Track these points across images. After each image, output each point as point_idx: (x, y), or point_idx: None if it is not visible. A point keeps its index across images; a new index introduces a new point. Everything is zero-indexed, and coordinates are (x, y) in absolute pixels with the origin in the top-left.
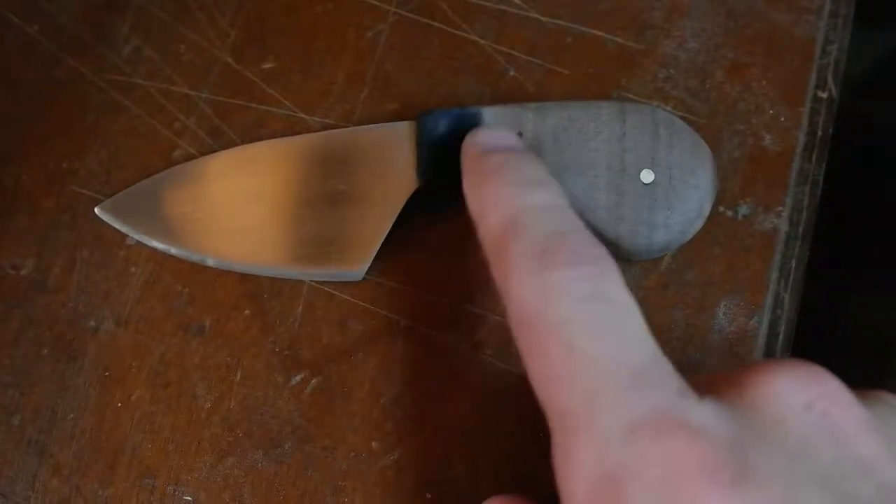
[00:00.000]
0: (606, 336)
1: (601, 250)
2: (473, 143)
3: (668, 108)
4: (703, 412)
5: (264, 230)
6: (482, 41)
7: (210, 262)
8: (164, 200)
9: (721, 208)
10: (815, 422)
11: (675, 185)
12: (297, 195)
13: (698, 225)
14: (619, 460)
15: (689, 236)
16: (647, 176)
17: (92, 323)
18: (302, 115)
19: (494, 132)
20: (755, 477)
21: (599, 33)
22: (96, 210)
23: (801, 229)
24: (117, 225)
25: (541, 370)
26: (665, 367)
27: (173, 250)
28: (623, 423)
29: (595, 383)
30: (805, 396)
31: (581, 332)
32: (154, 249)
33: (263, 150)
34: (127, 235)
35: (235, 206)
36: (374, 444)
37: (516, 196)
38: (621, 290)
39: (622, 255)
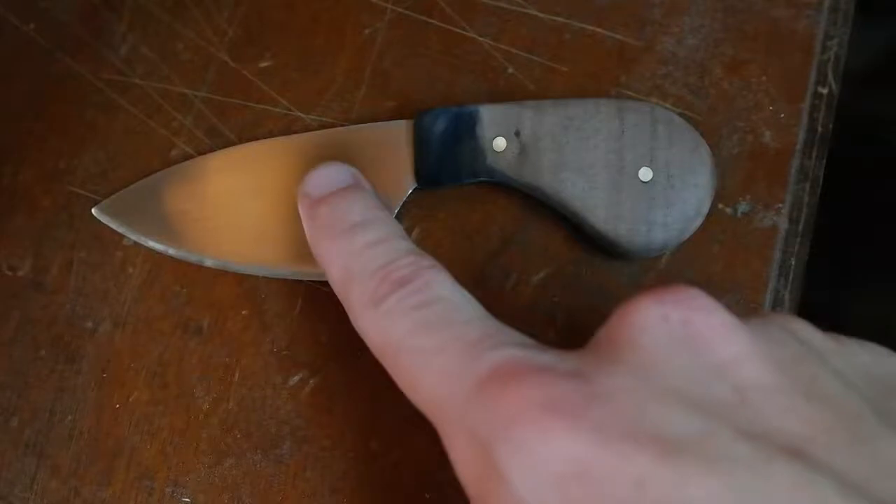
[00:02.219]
0: (440, 328)
1: (426, 262)
2: (303, 195)
3: (668, 106)
4: (545, 357)
5: (262, 230)
6: (480, 39)
7: (208, 263)
8: (162, 201)
9: (720, 206)
10: (670, 332)
11: (673, 183)
12: (295, 194)
13: (697, 223)
14: (477, 423)
15: (688, 235)
16: (645, 174)
17: (90, 324)
18: (299, 114)
19: (319, 174)
20: (599, 398)
21: (598, 30)
22: (94, 211)
23: (800, 227)
24: (115, 226)
25: (407, 385)
26: (505, 334)
27: (171, 251)
28: (470, 387)
29: (442, 368)
30: (661, 310)
31: (418, 336)
32: (152, 250)
33: (261, 150)
34: (125, 236)
35: (233, 206)
36: (372, 444)
37: (344, 246)
38: (449, 289)
39: (621, 254)
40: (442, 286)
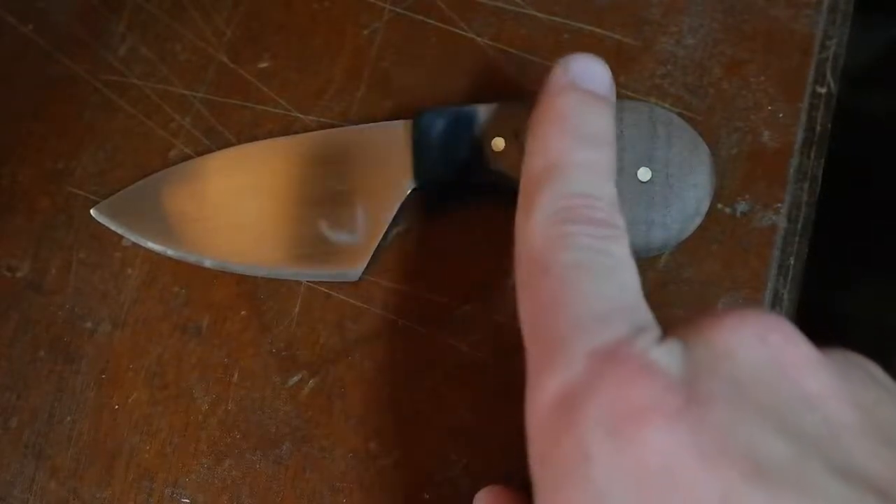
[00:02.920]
0: (597, 279)
1: (618, 221)
2: (565, 71)
3: (666, 106)
4: (659, 350)
5: (261, 230)
6: (479, 38)
7: (207, 263)
8: (161, 201)
9: (719, 205)
10: (765, 354)
11: (672, 183)
12: (294, 195)
13: (696, 223)
14: (578, 383)
15: (687, 235)
16: (644, 174)
17: (89, 324)
18: (298, 115)
19: (594, 65)
20: (699, 405)
21: (597, 30)
22: (92, 212)
23: (799, 226)
24: (114, 226)
25: (532, 299)
26: (641, 312)
27: (170, 251)
28: (587, 349)
29: (577, 312)
30: (761, 330)
31: (576, 272)
32: (151, 250)
33: (260, 150)
34: (123, 237)
35: (232, 207)
36: (371, 444)
37: (567, 149)
38: (624, 251)
39: None
40: (622, 248)
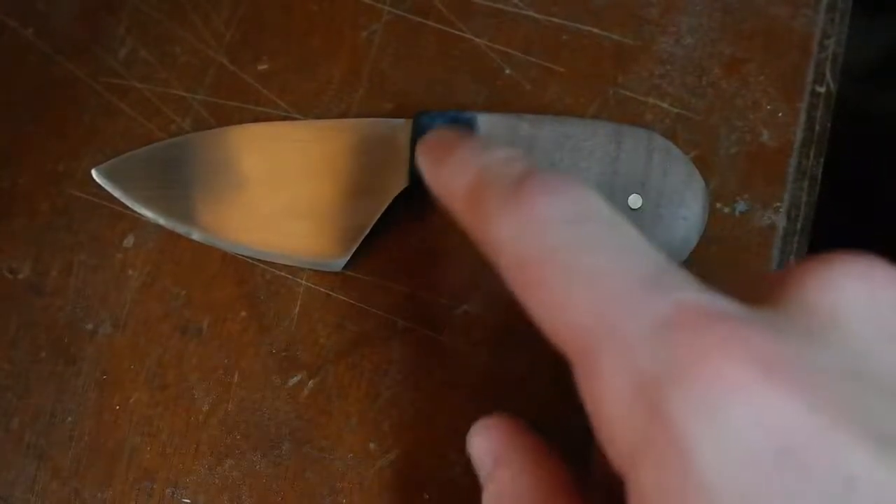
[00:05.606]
0: (603, 250)
1: (573, 179)
2: (425, 138)
3: (665, 105)
4: (738, 307)
5: (253, 209)
6: (477, 40)
7: (195, 236)
8: (160, 170)
9: (718, 205)
10: (880, 317)
11: (662, 213)
12: (290, 179)
13: (682, 256)
14: (651, 366)
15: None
16: (635, 201)
17: (89, 326)
18: (297, 116)
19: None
20: (816, 375)
21: (595, 30)
22: (93, 172)
23: (799, 225)
24: (111, 189)
25: (544, 304)
26: (680, 272)
27: (161, 220)
28: (647, 325)
29: (604, 294)
30: (868, 286)
31: (575, 252)
32: (142, 216)
33: (263, 131)
34: (124, 237)
35: (227, 183)
36: (371, 444)
37: (478, 157)
38: (605, 207)
39: None
40: (599, 203)
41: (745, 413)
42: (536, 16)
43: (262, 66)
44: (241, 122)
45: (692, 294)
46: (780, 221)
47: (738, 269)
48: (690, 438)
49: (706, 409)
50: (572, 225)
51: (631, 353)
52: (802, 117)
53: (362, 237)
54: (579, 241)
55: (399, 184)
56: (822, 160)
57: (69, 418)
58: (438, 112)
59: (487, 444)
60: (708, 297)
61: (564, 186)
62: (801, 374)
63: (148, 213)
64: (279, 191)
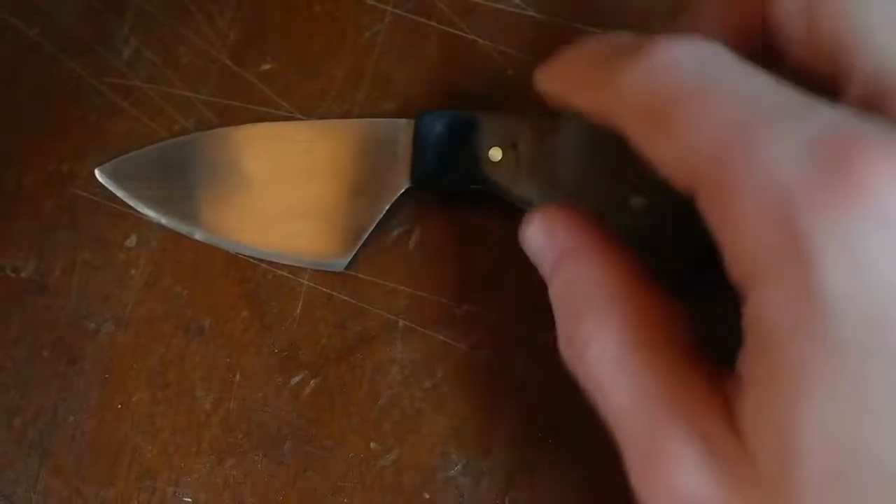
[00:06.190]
0: (741, 82)
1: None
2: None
3: None
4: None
5: (256, 209)
6: (480, 40)
7: (198, 236)
8: (163, 170)
9: None
10: None
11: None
12: (293, 179)
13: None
14: (793, 183)
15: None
16: (637, 203)
17: (92, 325)
18: (300, 116)
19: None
20: None
21: (598, 31)
22: (96, 172)
23: None
24: (113, 189)
25: (676, 136)
26: (820, 101)
27: (164, 220)
28: (793, 141)
29: (748, 112)
30: None
31: (710, 84)
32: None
33: (266, 131)
34: (127, 237)
35: (230, 183)
36: (372, 444)
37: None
38: (736, 58)
39: None
40: (730, 54)
41: (883, 239)
42: (538, 16)
43: (265, 67)
44: (244, 122)
45: (845, 117)
46: None
47: None
48: (822, 257)
49: (842, 230)
50: (706, 64)
51: (774, 168)
52: None
53: (364, 237)
54: (714, 76)
55: (401, 184)
56: None
57: (71, 417)
58: (441, 112)
59: (547, 235)
60: (861, 121)
61: (690, 40)
62: None
63: (151, 213)
64: (282, 191)
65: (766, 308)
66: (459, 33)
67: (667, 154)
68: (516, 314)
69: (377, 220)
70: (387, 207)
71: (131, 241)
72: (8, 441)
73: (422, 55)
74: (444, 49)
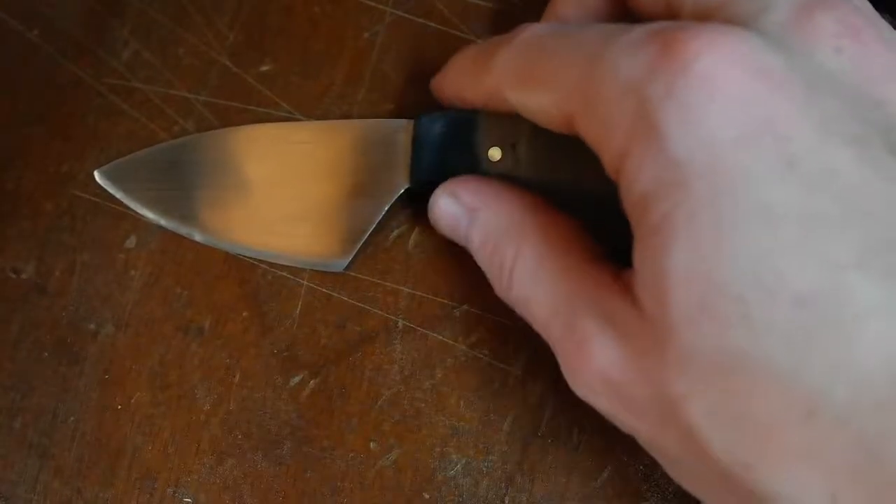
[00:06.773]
0: (587, 29)
1: None
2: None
3: None
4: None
5: (255, 210)
6: (479, 41)
7: (197, 237)
8: (162, 171)
9: None
10: (841, 69)
11: None
12: (292, 179)
13: None
14: (640, 76)
15: None
16: None
17: (92, 326)
18: (299, 117)
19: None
20: (803, 85)
21: None
22: (96, 174)
23: None
24: (113, 191)
25: (542, 84)
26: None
27: (163, 221)
28: (633, 46)
29: (592, 47)
30: (837, 42)
31: (562, 37)
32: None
33: (266, 132)
34: (127, 238)
35: (230, 184)
36: (372, 444)
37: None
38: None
39: None
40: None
41: (707, 96)
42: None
43: (264, 68)
44: (243, 123)
45: (665, 22)
46: None
47: None
48: (666, 123)
49: (676, 96)
50: (561, 27)
51: (622, 68)
52: None
53: (364, 238)
54: (566, 30)
55: (400, 184)
56: None
57: (71, 418)
58: (441, 113)
59: (453, 202)
60: (678, 22)
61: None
62: (797, 84)
63: (150, 215)
64: (281, 192)
65: (634, 181)
66: (458, 34)
67: (543, 100)
68: (516, 314)
69: (377, 221)
70: (386, 208)
71: (131, 242)
72: (8, 442)
73: (421, 56)
74: (444, 50)
